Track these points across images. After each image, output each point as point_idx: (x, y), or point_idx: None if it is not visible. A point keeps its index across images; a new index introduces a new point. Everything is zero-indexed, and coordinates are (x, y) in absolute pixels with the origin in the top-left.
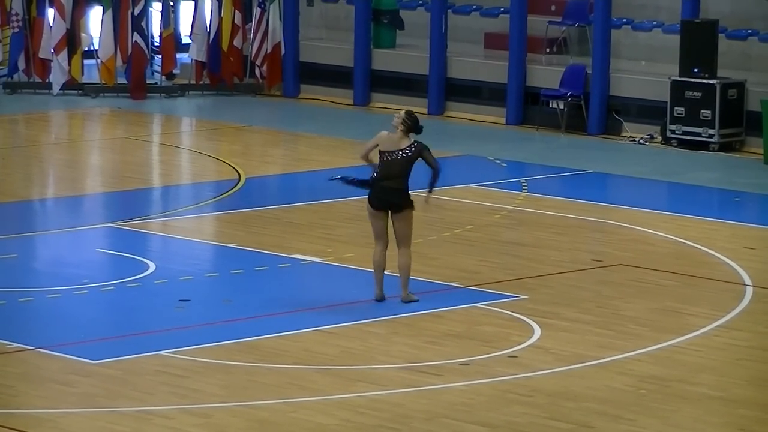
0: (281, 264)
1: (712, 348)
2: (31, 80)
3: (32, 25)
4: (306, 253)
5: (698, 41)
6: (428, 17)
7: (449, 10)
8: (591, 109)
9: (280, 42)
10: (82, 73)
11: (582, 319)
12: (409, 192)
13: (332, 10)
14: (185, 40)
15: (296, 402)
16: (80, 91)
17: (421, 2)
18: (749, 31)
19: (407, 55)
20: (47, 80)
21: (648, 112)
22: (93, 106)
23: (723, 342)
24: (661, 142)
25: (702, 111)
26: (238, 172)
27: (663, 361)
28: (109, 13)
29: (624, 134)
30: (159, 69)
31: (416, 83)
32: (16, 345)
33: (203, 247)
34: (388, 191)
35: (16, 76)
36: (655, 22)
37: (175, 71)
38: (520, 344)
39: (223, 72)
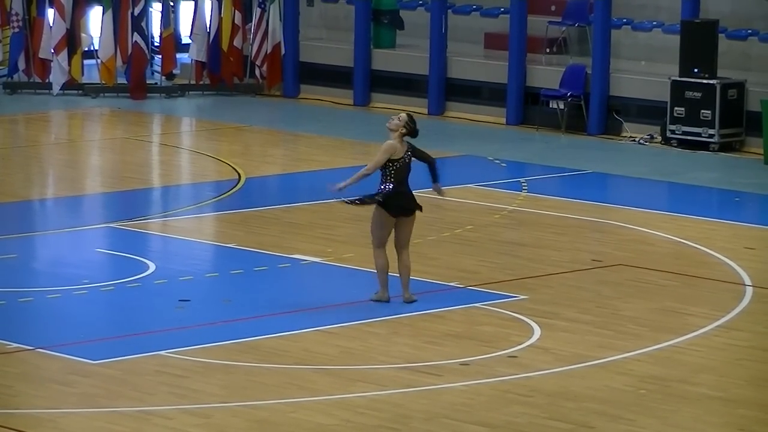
0: (281, 264)
1: (712, 348)
2: (31, 80)
3: (32, 25)
4: (306, 253)
5: (698, 41)
6: (428, 17)
7: (449, 10)
8: (591, 109)
9: (280, 42)
10: (82, 73)
11: (582, 319)
12: None
13: (332, 10)
14: (185, 40)
15: (296, 402)
16: (80, 92)
17: (421, 2)
18: (749, 31)
19: (407, 55)
20: (47, 80)
21: (648, 112)
22: (93, 106)
23: (723, 342)
24: (661, 142)
25: (702, 111)
26: (238, 172)
27: (663, 361)
28: (109, 13)
29: (624, 134)
30: (159, 69)
31: (416, 83)
32: (16, 345)
33: (203, 247)
34: (406, 197)
35: (16, 76)
36: (655, 22)
37: (175, 71)
38: (520, 344)
39: (223, 72)
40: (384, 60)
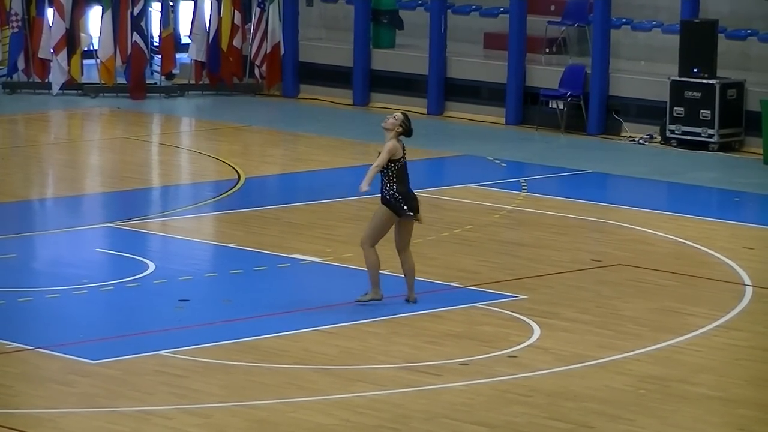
0: (281, 264)
1: (712, 348)
2: (31, 80)
3: (32, 25)
4: (305, 253)
5: (698, 41)
6: (428, 17)
7: (449, 10)
8: (590, 109)
9: (279, 42)
10: (82, 73)
11: (581, 319)
12: None
13: (332, 10)
14: (185, 40)
15: (296, 402)
16: (80, 91)
17: (420, 2)
18: (749, 31)
19: (407, 55)
20: (47, 80)
21: (647, 112)
22: (92, 106)
23: (722, 342)
24: (660, 142)
25: (701, 111)
26: (237, 172)
27: (662, 361)
28: (109, 13)
29: (623, 134)
30: (158, 69)
31: (416, 83)
32: (15, 345)
33: (203, 247)
34: (413, 196)
35: (15, 76)
36: (654, 22)
37: (174, 71)
38: (520, 344)
39: (223, 72)
40: (383, 60)
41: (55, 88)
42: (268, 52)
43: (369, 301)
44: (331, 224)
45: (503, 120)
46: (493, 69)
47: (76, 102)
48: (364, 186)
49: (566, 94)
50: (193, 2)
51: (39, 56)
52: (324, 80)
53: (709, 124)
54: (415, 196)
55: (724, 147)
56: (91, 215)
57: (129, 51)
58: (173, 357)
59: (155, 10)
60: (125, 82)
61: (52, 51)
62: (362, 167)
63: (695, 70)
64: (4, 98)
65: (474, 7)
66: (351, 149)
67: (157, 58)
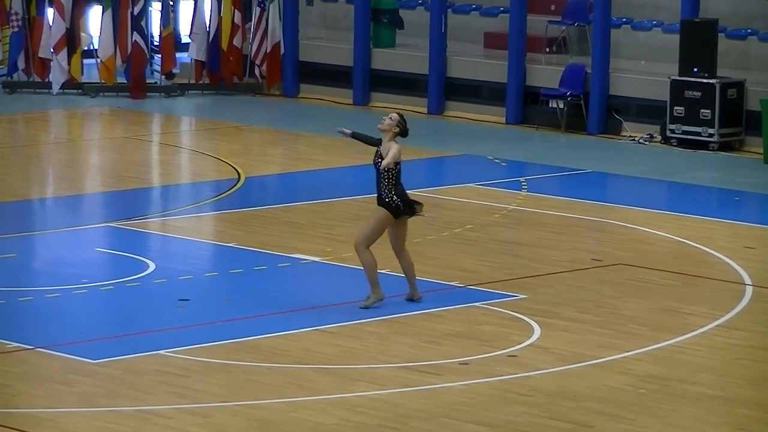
0: (281, 263)
1: (712, 347)
2: (31, 80)
3: (32, 24)
4: (306, 252)
5: (698, 41)
6: (428, 17)
7: (449, 10)
8: (591, 108)
9: (279, 41)
10: (82, 73)
11: (581, 318)
12: None
13: (332, 9)
14: (185, 39)
15: (296, 401)
16: (80, 91)
17: (420, 2)
18: (749, 30)
19: (407, 54)
20: (47, 80)
21: (648, 111)
22: (92, 105)
23: (722, 341)
24: (660, 142)
25: (702, 110)
26: (237, 171)
27: (662, 361)
28: (109, 12)
29: (624, 134)
30: (158, 68)
31: (416, 83)
32: (15, 344)
33: (203, 246)
34: (408, 198)
35: (15, 76)
36: (654, 22)
37: (174, 71)
38: (520, 344)
39: (223, 71)
40: (383, 59)
41: (56, 88)
42: (268, 51)
43: (373, 304)
44: (332, 224)
45: (503, 119)
46: (494, 68)
47: (76, 101)
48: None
49: (566, 93)
50: (193, 2)
51: (39, 56)
52: (324, 80)
53: (710, 123)
54: (406, 193)
55: (724, 146)
56: (91, 215)
57: (129, 50)
58: (173, 356)
59: (155, 10)
60: (125, 81)
61: (52, 50)
62: (362, 167)
63: (695, 69)
64: (5, 98)
65: (474, 6)
66: (351, 149)
67: (158, 57)
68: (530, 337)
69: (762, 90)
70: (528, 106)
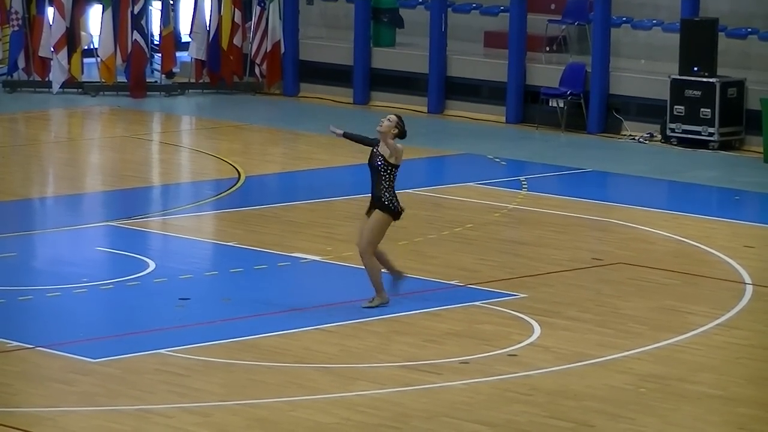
0: (281, 263)
1: (712, 347)
2: (31, 79)
3: (32, 23)
4: (306, 251)
5: (698, 40)
6: (428, 16)
7: (449, 9)
8: (591, 107)
9: (279, 40)
10: (82, 72)
11: (582, 317)
12: None
13: (332, 8)
14: (185, 38)
15: (296, 401)
16: (80, 90)
17: (420, 1)
18: (749, 29)
19: (407, 53)
20: (47, 79)
21: (648, 110)
22: (93, 104)
23: (723, 341)
24: (660, 141)
25: (702, 109)
26: (237, 170)
27: (663, 360)
28: (109, 11)
29: (624, 133)
30: (159, 67)
31: (416, 82)
32: (15, 344)
33: (203, 245)
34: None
35: (15, 75)
36: (654, 21)
37: (174, 70)
38: (520, 343)
39: (223, 70)
40: (384, 58)
41: (56, 87)
42: (268, 50)
43: (377, 306)
44: (332, 223)
45: (503, 118)
46: (494, 67)
47: (77, 100)
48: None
49: (566, 92)
50: (193, 1)
51: (39, 55)
52: (324, 79)
53: (710, 122)
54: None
55: (724, 145)
56: (92, 214)
57: (129, 49)
58: (173, 356)
59: (155, 9)
60: (125, 80)
61: (52, 49)
62: (363, 166)
63: (695, 68)
64: (5, 97)
65: (474, 5)
66: (351, 148)
67: (158, 56)
68: (530, 336)
69: (762, 89)
70: (528, 105)
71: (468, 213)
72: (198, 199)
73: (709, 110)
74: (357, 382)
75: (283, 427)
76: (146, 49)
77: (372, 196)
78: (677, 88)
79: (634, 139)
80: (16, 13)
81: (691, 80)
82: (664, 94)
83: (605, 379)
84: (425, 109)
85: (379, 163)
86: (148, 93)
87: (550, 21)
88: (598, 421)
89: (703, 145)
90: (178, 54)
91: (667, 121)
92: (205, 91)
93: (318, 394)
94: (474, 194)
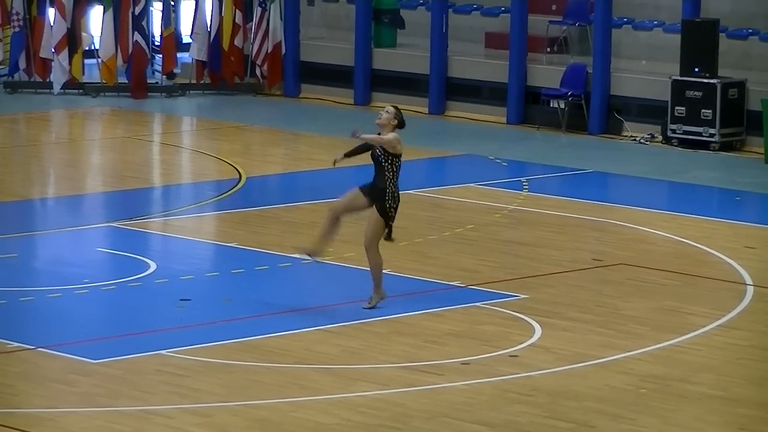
0: (282, 263)
1: (713, 347)
2: (32, 79)
3: (33, 24)
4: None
5: (699, 40)
6: (429, 16)
7: (450, 10)
8: (592, 108)
9: (280, 41)
10: (83, 73)
11: (582, 318)
12: None
13: (333, 9)
14: (186, 39)
15: (297, 401)
16: (81, 91)
17: (421, 2)
18: (750, 30)
19: (408, 54)
20: (48, 79)
21: (649, 111)
22: (94, 105)
23: (723, 341)
24: (661, 142)
25: (703, 110)
26: (238, 171)
27: (663, 361)
28: (110, 12)
29: (625, 134)
30: (160, 68)
31: (417, 82)
32: (16, 344)
33: (204, 246)
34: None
35: (16, 76)
36: (655, 22)
37: (175, 70)
38: (521, 343)
39: (224, 71)
40: (385, 59)
41: (57, 88)
42: (269, 51)
43: (377, 304)
44: None
45: (504, 119)
46: (495, 68)
47: (78, 101)
48: (357, 133)
49: (567, 93)
50: (194, 1)
51: (40, 55)
52: (325, 80)
53: (710, 123)
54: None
55: (725, 146)
56: (93, 215)
57: (130, 50)
58: (174, 356)
59: (156, 10)
60: (126, 81)
61: (53, 50)
62: (363, 166)
63: (696, 69)
64: (6, 97)
65: (475, 6)
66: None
67: (159, 57)
68: (531, 336)
69: (763, 90)
70: (529, 106)
71: (469, 214)
72: (199, 200)
73: (709, 111)
74: (358, 383)
75: (283, 427)
76: (147, 50)
77: (373, 184)
78: (678, 88)
79: (634, 139)
80: (17, 14)
81: (691, 81)
82: (665, 94)
83: (606, 379)
84: (426, 109)
85: (380, 153)
86: (148, 94)
87: (551, 22)
88: (598, 421)
89: (703, 145)
90: (179, 55)
91: (668, 121)
92: (205, 91)
93: (319, 395)
94: (475, 195)
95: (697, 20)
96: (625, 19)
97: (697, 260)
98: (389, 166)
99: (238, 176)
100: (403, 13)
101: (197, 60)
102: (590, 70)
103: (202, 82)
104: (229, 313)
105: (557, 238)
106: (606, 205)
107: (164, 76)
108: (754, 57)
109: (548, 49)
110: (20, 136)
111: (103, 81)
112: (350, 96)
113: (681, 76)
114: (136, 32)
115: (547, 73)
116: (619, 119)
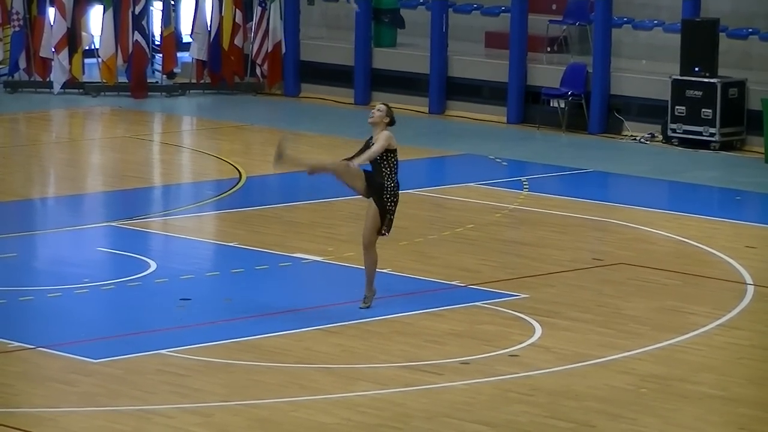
0: (282, 263)
1: (713, 347)
2: (32, 79)
3: (33, 24)
4: (307, 252)
5: (699, 40)
6: (429, 16)
7: (450, 9)
8: (592, 108)
9: (280, 41)
10: (83, 72)
11: (583, 318)
12: None
13: (333, 8)
14: (186, 38)
15: (297, 401)
16: (81, 90)
17: (421, 1)
18: (750, 30)
19: (408, 54)
20: (48, 79)
21: (649, 111)
22: (94, 105)
23: (724, 341)
24: (662, 141)
25: (703, 110)
26: (238, 170)
27: (664, 360)
28: (110, 11)
29: (625, 133)
30: (160, 68)
31: (417, 82)
32: (16, 344)
33: (204, 246)
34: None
35: (17, 75)
36: (655, 21)
37: (175, 70)
38: (521, 343)
39: (224, 71)
40: (385, 59)
41: (57, 87)
42: (269, 51)
43: (371, 303)
44: (333, 223)
45: (504, 119)
46: (495, 68)
47: (78, 101)
48: (353, 164)
49: (567, 93)
50: (194, 1)
51: (40, 55)
52: (325, 79)
53: (711, 123)
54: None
55: (725, 146)
56: (93, 214)
57: (130, 50)
58: (174, 356)
59: (156, 9)
60: (126, 81)
61: (53, 50)
62: (363, 167)
63: (696, 69)
64: (6, 97)
65: (475, 5)
66: (352, 148)
67: (159, 56)
68: (531, 336)
69: (763, 89)
70: (529, 106)
71: (469, 213)
72: (199, 200)
73: (710, 111)
74: (358, 383)
75: (284, 427)
76: (147, 50)
77: (372, 178)
78: (678, 88)
79: (635, 139)
80: (17, 13)
81: (692, 80)
82: (665, 94)
83: (606, 379)
84: (426, 109)
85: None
86: (149, 93)
87: (551, 21)
88: (599, 421)
89: (704, 145)
90: (179, 54)
91: (668, 121)
92: (206, 91)
93: (319, 395)
94: (475, 194)
95: (697, 20)
96: (625, 19)
97: (698, 260)
98: (385, 163)
99: (238, 176)
100: (403, 12)
101: (197, 59)
102: (590, 70)
103: (202, 81)
104: (229, 313)
105: (558, 238)
106: (606, 205)
107: (164, 76)
108: (754, 57)
109: (548, 49)
110: (20, 135)
111: (104, 80)
112: (350, 96)
113: (681, 75)
114: (136, 32)
115: (547, 72)
116: (620, 119)
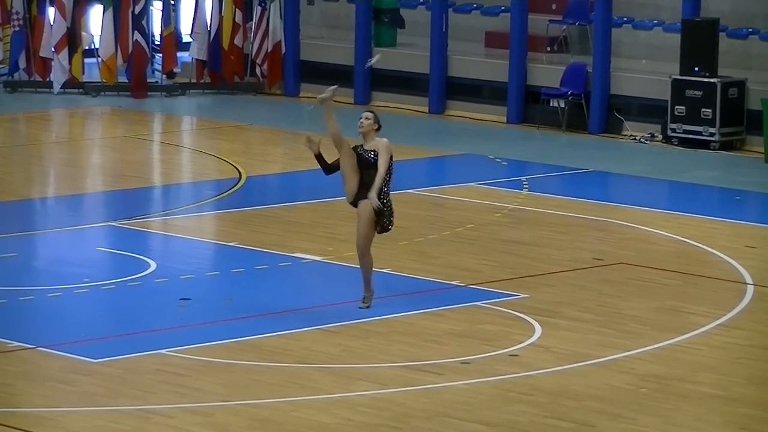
0: (282, 263)
1: (713, 347)
2: (32, 79)
3: (33, 23)
4: (307, 251)
5: (699, 40)
6: (429, 16)
7: (450, 9)
8: (592, 107)
9: (280, 41)
10: (83, 72)
11: (583, 317)
12: None
13: (333, 8)
14: (186, 38)
15: (297, 401)
16: (81, 90)
17: (421, 1)
18: (750, 29)
19: (408, 53)
20: (48, 79)
21: (649, 110)
22: (94, 104)
23: (724, 341)
24: (661, 141)
25: (703, 110)
26: (238, 170)
27: (664, 360)
28: (110, 11)
29: (625, 133)
30: (160, 68)
31: (417, 82)
32: (16, 344)
33: (204, 245)
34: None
35: (16, 75)
36: (655, 21)
37: (175, 70)
38: (521, 343)
39: (224, 71)
40: (385, 59)
41: (57, 87)
42: (269, 50)
43: (370, 302)
44: (333, 223)
45: (504, 119)
46: (495, 68)
47: (78, 101)
48: (375, 202)
49: (567, 92)
50: (194, 1)
51: (40, 55)
52: (325, 79)
53: (711, 122)
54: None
55: (725, 146)
56: (93, 214)
57: (130, 50)
58: (174, 356)
59: (156, 9)
60: (126, 80)
61: (53, 50)
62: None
63: (696, 68)
64: (6, 97)
65: (475, 5)
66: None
67: (159, 56)
68: (531, 336)
69: (763, 89)
70: (529, 106)
71: (469, 213)
72: (199, 200)
73: (710, 110)
74: (358, 383)
75: (284, 427)
76: (147, 50)
77: (366, 182)
78: (678, 88)
79: (635, 139)
80: (17, 13)
81: (692, 80)
82: (665, 94)
83: (606, 379)
84: (426, 109)
85: (372, 156)
86: (149, 93)
87: (551, 21)
88: (599, 421)
89: (704, 145)
90: (179, 54)
91: (668, 121)
92: (205, 91)
93: (319, 395)
94: (475, 194)
95: (697, 20)
96: (625, 19)
97: (698, 260)
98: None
99: (238, 175)
100: (403, 12)
101: (197, 59)
102: (590, 70)
103: (202, 81)
104: (229, 313)
105: (557, 238)
106: (606, 205)
107: (164, 76)
108: (754, 56)
109: (548, 49)
110: (20, 135)
111: (103, 80)
112: (350, 95)
113: (681, 75)
114: (136, 31)
115: (547, 72)
116: (619, 118)
